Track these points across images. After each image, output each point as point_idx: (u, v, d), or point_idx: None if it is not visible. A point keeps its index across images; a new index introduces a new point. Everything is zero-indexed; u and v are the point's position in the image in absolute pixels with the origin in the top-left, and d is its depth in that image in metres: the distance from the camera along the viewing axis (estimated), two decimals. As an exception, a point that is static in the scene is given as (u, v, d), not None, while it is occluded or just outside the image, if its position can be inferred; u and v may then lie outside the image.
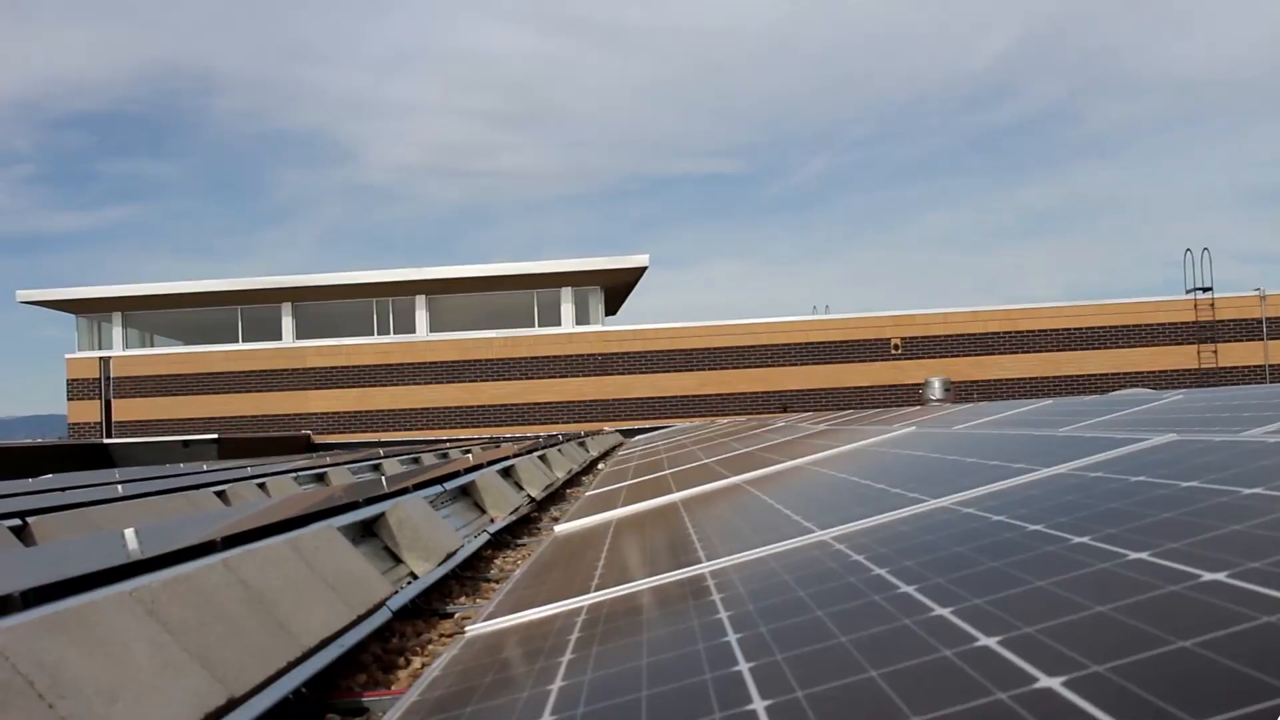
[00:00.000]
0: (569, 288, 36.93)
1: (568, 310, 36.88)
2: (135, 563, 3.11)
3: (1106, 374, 33.10)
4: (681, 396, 34.46)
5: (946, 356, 33.69)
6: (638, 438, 26.64)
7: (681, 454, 9.97)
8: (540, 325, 36.85)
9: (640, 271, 37.23)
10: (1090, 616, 1.52)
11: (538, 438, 26.17)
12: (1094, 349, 33.54)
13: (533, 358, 35.26)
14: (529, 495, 9.98)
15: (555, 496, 11.34)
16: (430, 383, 35.62)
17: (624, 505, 5.81)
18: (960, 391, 31.09)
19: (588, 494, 8.16)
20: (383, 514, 5.61)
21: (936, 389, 28.47)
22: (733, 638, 2.01)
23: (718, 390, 34.42)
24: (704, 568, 2.93)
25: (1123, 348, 33.51)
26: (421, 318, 37.24)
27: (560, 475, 12.77)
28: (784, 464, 5.70)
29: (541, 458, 12.92)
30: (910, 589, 2.00)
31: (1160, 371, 33.05)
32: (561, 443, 18.20)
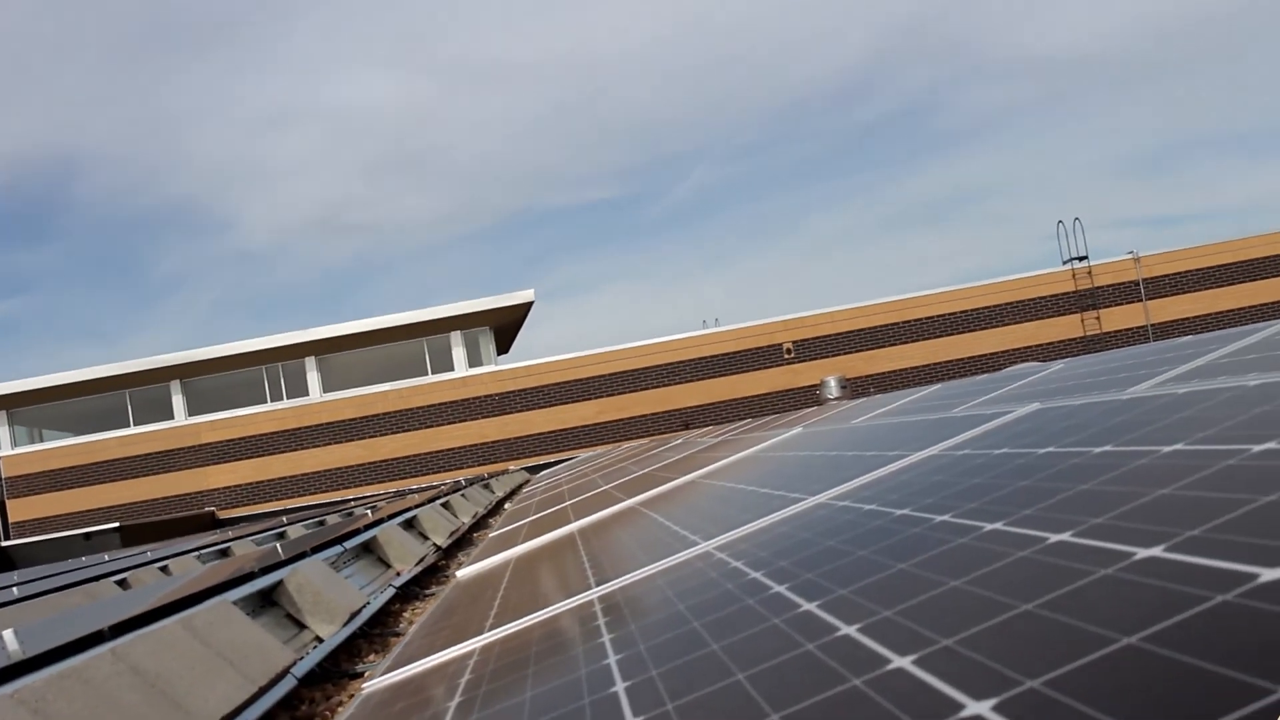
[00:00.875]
0: (458, 331, 36.77)
1: (459, 354, 36.71)
2: (17, 664, 3.04)
3: (997, 352, 33.59)
4: (583, 426, 34.43)
5: (840, 354, 33.99)
6: (543, 473, 26.58)
7: (582, 483, 9.96)
8: (434, 372, 36.64)
9: (527, 307, 37.17)
10: (945, 593, 1.54)
11: (443, 485, 26.01)
12: (982, 329, 34.02)
13: (429, 406, 35.04)
14: (434, 544, 9.90)
15: (462, 542, 11.27)
16: (329, 444, 35.26)
17: (524, 542, 5.79)
18: (857, 387, 31.39)
19: (491, 535, 8.12)
20: (281, 581, 5.53)
21: (833, 388, 28.73)
22: (613, 660, 2.01)
23: (618, 416, 34.41)
24: (593, 594, 2.93)
25: (1009, 324, 34.03)
26: (314, 379, 36.87)
27: (466, 520, 12.70)
28: (677, 480, 5.71)
29: (445, 505, 12.83)
30: (782, 588, 2.02)
31: (1048, 344, 33.60)
32: (465, 487, 18.11)
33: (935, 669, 1.24)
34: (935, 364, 33.77)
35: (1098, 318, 33.68)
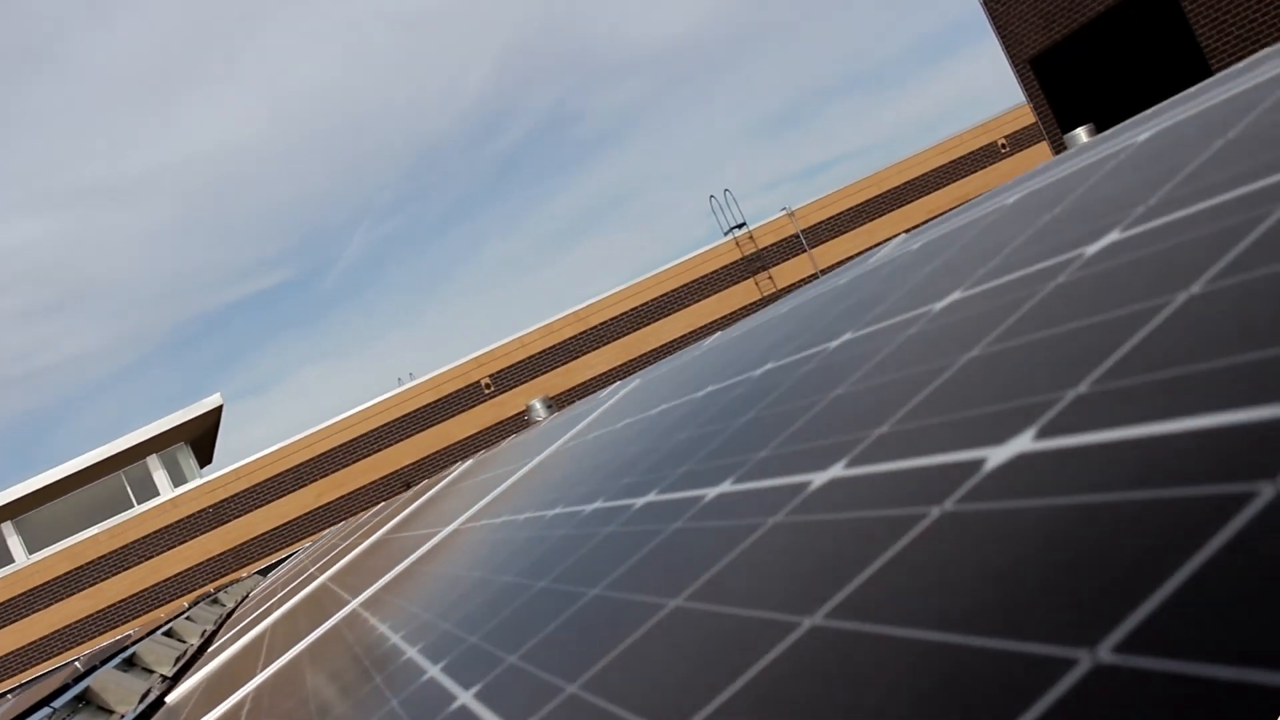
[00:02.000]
0: (154, 455, 35.59)
1: (161, 477, 35.54)
2: None
3: (688, 334, 34.24)
4: (305, 514, 33.69)
5: (539, 375, 34.12)
6: (272, 572, 25.95)
7: (295, 571, 9.77)
8: (140, 502, 35.35)
9: (218, 411, 36.25)
10: (500, 588, 1.56)
11: (174, 613, 25.15)
12: (666, 316, 34.61)
13: (145, 536, 33.72)
14: (161, 675, 9.55)
15: (191, 663, 10.90)
16: (51, 604, 33.62)
17: (227, 649, 5.65)
18: (562, 403, 31.57)
19: (209, 650, 7.89)
20: (-19, 762, 5.26)
21: (539, 410, 28.82)
22: (234, 747, 1.98)
23: (340, 493, 33.79)
24: (253, 685, 2.88)
25: (691, 305, 34.72)
26: (15, 543, 35.14)
27: (195, 641, 12.28)
28: (366, 543, 5.67)
29: (169, 632, 12.41)
30: (384, 627, 2.02)
31: (732, 314, 34.44)
32: (191, 609, 17.55)
33: (452, 669, 1.26)
34: (631, 361, 34.23)
35: (770, 277, 34.71)
